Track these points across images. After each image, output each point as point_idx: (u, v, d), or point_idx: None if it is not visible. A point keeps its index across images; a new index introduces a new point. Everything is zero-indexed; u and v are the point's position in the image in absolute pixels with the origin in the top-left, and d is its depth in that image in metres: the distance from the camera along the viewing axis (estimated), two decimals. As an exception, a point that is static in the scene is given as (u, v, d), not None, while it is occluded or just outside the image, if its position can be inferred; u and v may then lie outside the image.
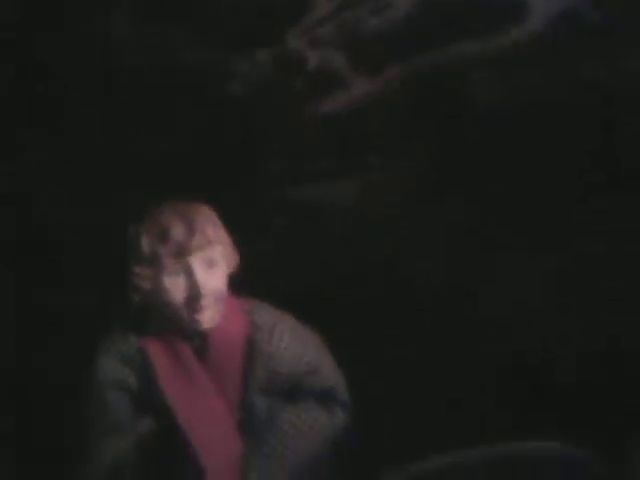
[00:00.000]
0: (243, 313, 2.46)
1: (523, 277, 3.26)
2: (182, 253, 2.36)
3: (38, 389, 3.40)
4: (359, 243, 3.36)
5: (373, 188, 3.37)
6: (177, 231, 2.36)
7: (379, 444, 2.79)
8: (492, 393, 3.21)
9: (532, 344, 3.25)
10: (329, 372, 2.50)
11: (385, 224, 3.32)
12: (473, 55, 3.25)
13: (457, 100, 3.29)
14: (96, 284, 3.31)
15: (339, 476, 2.47)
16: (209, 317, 2.39)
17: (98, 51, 3.46)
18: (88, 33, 3.47)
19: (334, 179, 3.39)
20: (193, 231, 2.37)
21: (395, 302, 3.25)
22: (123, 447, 2.33)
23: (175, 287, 2.37)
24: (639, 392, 3.03)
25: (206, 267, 2.38)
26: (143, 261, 2.38)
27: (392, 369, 3.15)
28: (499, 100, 3.27)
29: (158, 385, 2.38)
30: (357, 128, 3.36)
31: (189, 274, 2.36)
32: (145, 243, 2.37)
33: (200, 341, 2.41)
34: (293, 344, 2.45)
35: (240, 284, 2.49)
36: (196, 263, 2.36)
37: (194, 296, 2.36)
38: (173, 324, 2.40)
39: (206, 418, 2.37)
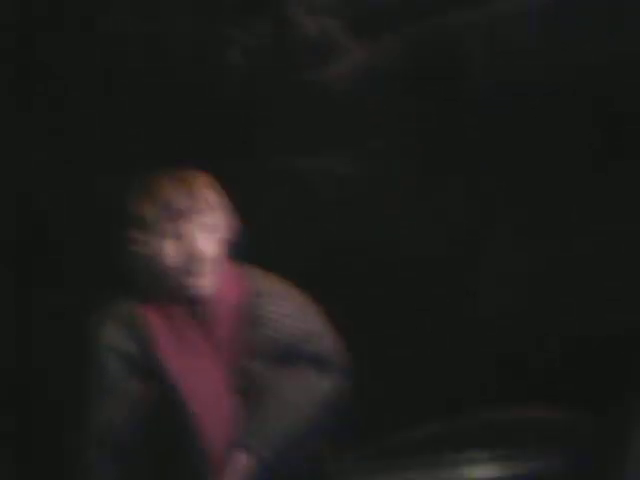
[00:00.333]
0: (242, 279, 2.45)
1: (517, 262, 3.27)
2: (181, 218, 2.35)
3: (38, 389, 3.39)
4: (357, 213, 3.36)
5: (372, 159, 3.37)
6: (176, 196, 2.35)
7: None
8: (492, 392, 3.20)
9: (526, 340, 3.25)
10: (327, 338, 2.48)
11: (384, 196, 3.32)
12: (471, 23, 3.27)
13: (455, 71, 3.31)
14: (96, 284, 3.30)
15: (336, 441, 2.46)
16: (208, 282, 2.37)
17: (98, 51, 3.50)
18: (88, 33, 3.50)
19: (333, 149, 3.39)
20: (192, 196, 2.36)
21: (393, 274, 3.25)
22: (119, 409, 2.31)
23: (174, 252, 2.35)
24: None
25: (205, 232, 2.36)
26: (141, 226, 2.37)
27: (390, 337, 3.15)
28: (499, 78, 3.29)
29: (156, 350, 2.36)
30: (355, 100, 3.38)
31: (188, 239, 2.35)
32: (144, 208, 2.37)
33: (198, 307, 2.40)
34: (292, 310, 2.44)
35: (238, 253, 2.49)
36: (195, 228, 2.35)
37: (193, 261, 2.35)
38: (171, 290, 2.39)
39: (203, 383, 2.35)
